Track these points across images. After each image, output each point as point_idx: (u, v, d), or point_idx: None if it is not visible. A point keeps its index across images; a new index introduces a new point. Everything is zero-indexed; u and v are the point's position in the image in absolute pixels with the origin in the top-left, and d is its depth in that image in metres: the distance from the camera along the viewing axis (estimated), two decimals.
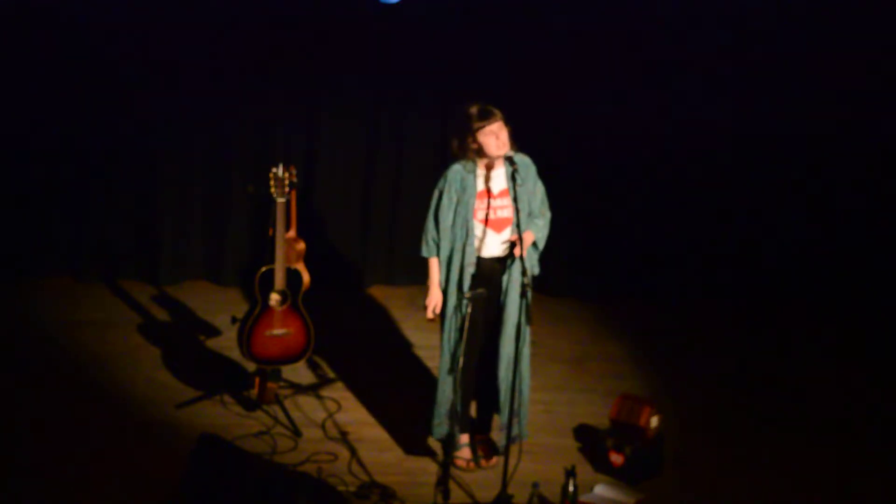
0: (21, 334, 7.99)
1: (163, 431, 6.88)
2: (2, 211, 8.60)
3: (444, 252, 6.49)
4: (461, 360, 6.28)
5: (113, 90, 8.50)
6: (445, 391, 6.52)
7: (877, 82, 8.74)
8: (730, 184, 8.98)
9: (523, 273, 6.17)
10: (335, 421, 7.10)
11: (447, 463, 6.30)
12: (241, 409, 7.14)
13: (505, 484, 6.14)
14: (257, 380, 7.10)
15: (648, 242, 9.05)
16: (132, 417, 7.03)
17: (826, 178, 8.98)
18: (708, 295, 9.08)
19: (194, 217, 8.87)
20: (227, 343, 7.77)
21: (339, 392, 7.45)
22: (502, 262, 6.48)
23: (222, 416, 7.08)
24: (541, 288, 7.74)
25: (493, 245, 6.47)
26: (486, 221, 6.42)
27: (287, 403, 7.13)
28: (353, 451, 6.76)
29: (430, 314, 6.52)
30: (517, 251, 6.32)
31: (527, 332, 6.40)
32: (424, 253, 6.54)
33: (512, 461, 6.18)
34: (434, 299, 6.50)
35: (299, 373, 7.53)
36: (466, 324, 6.25)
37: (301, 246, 7.04)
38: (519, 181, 6.35)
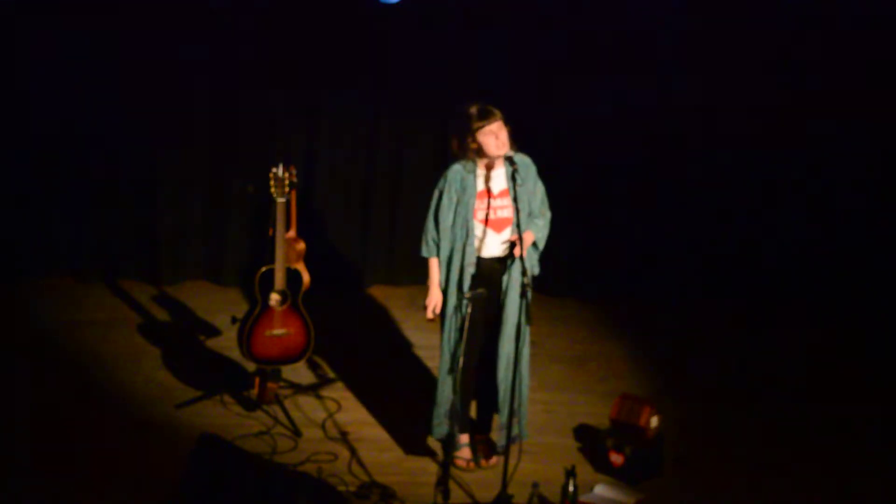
0: (21, 334, 7.98)
1: (163, 431, 6.88)
2: (2, 211, 8.59)
3: (444, 252, 6.49)
4: (461, 360, 6.28)
5: (113, 90, 8.50)
6: (445, 391, 6.52)
7: (877, 82, 8.74)
8: (730, 184, 8.98)
9: (523, 273, 6.17)
10: (335, 421, 7.10)
11: (447, 463, 6.30)
12: (241, 409, 7.14)
13: (505, 484, 6.14)
14: (257, 380, 7.10)
15: (648, 242, 9.04)
16: (132, 417, 7.03)
17: (826, 178, 8.98)
18: (708, 295, 9.08)
19: (194, 217, 8.87)
20: (227, 343, 7.77)
21: (339, 392, 7.45)
22: (502, 263, 6.48)
23: (222, 416, 7.08)
24: (541, 288, 7.74)
25: (493, 245, 6.47)
26: (486, 221, 6.42)
27: (287, 403, 7.13)
28: (353, 451, 6.76)
29: (430, 314, 6.53)
30: (517, 251, 6.32)
31: (526, 332, 6.40)
32: (424, 253, 6.54)
33: (512, 461, 6.18)
34: (434, 299, 6.50)
35: (299, 373, 7.53)
36: (466, 324, 6.25)
37: (301, 246, 7.04)
38: (519, 181, 6.35)
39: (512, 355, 6.44)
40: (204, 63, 8.53)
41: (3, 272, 8.63)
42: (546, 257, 6.65)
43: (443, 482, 6.13)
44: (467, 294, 6.34)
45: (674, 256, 9.06)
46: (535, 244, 6.53)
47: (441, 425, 6.58)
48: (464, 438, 6.68)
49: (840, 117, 8.80)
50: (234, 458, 6.06)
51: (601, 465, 6.69)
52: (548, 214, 6.57)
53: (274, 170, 6.87)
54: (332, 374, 7.65)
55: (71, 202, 8.70)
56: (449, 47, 8.66)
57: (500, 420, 6.60)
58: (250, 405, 7.14)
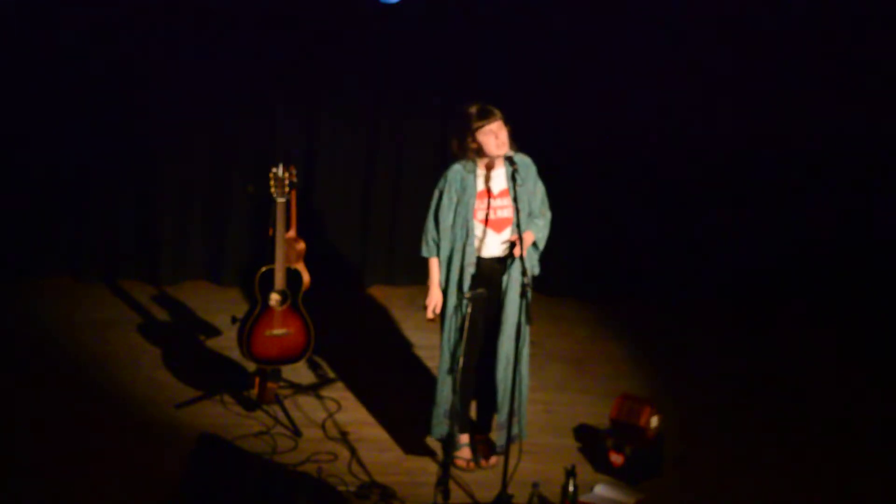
0: (21, 334, 7.99)
1: (163, 431, 6.88)
2: (2, 211, 8.59)
3: (445, 252, 6.49)
4: (461, 360, 6.28)
5: (113, 90, 8.50)
6: (445, 391, 6.52)
7: (877, 82, 8.74)
8: (730, 184, 8.98)
9: (523, 273, 6.17)
10: (335, 421, 7.10)
11: (447, 463, 6.30)
12: (241, 409, 7.14)
13: (505, 484, 6.14)
14: (257, 380, 7.11)
15: (648, 242, 9.04)
16: (132, 417, 7.03)
17: (826, 178, 8.98)
18: (708, 295, 9.08)
19: (194, 217, 8.87)
20: (227, 343, 7.77)
21: (339, 392, 7.45)
22: (502, 262, 6.48)
23: (222, 416, 7.08)
24: (541, 288, 7.74)
25: (493, 245, 6.47)
26: (486, 221, 6.42)
27: (287, 403, 7.13)
28: (353, 451, 6.76)
29: (430, 314, 6.53)
30: (517, 251, 6.32)
31: (526, 332, 6.40)
32: (424, 253, 6.54)
33: (512, 461, 6.18)
34: (434, 299, 6.50)
35: (299, 373, 7.53)
36: (466, 324, 6.25)
37: (301, 246, 7.04)
38: (519, 181, 6.35)
39: (511, 355, 6.44)
40: (204, 63, 8.52)
41: (3, 272, 8.63)
42: (546, 257, 6.65)
43: (443, 482, 6.13)
44: (467, 294, 6.34)
45: (674, 256, 9.05)
46: (535, 244, 6.53)
47: (440, 425, 6.58)
48: (464, 438, 6.68)
49: (840, 117, 8.80)
50: (234, 458, 6.07)
51: (601, 465, 6.69)
52: (548, 214, 6.57)
53: (274, 170, 6.87)
54: (332, 374, 7.65)
55: (71, 202, 8.70)
56: (449, 47, 8.66)
57: (499, 420, 6.60)
58: (250, 405, 7.14)
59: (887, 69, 8.71)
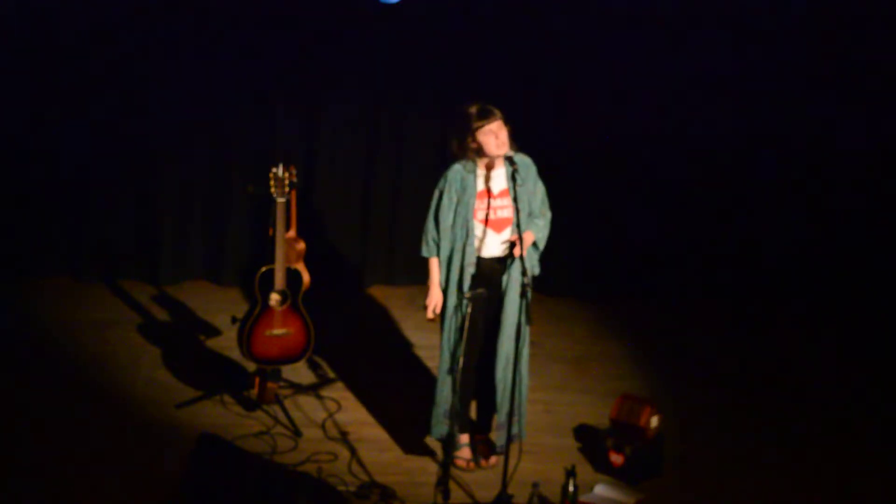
0: (21, 334, 7.99)
1: (163, 431, 6.88)
2: (2, 211, 8.59)
3: (445, 252, 6.49)
4: (461, 360, 6.28)
5: (113, 90, 8.50)
6: (444, 391, 6.52)
7: (877, 82, 8.74)
8: (730, 184, 8.98)
9: (523, 273, 6.17)
10: (335, 421, 7.10)
11: (447, 463, 6.30)
12: (241, 409, 7.14)
13: (505, 484, 6.14)
14: (257, 380, 7.11)
15: (648, 242, 9.04)
16: (132, 417, 7.03)
17: (826, 178, 8.98)
18: (708, 295, 9.08)
19: (194, 217, 8.87)
20: (227, 343, 7.77)
21: (339, 392, 7.45)
22: (502, 262, 6.48)
23: (222, 416, 7.08)
24: (541, 288, 7.74)
25: (493, 245, 6.47)
26: (486, 221, 6.42)
27: (287, 403, 7.13)
28: (353, 451, 6.76)
29: (430, 314, 6.53)
30: (517, 251, 6.32)
31: (526, 332, 6.40)
32: (424, 253, 6.54)
33: (512, 461, 6.18)
34: (434, 299, 6.50)
35: (299, 373, 7.53)
36: (466, 324, 6.25)
37: (301, 246, 7.04)
38: (519, 181, 6.35)
39: (511, 355, 6.44)
40: (204, 63, 8.52)
41: (3, 272, 8.63)
42: (546, 257, 6.65)
43: (443, 482, 6.13)
44: (467, 294, 6.34)
45: (674, 256, 9.06)
46: (535, 244, 6.53)
47: (440, 425, 6.58)
48: (464, 438, 6.68)
49: (840, 117, 8.80)
50: (234, 458, 6.07)
51: (601, 465, 6.69)
52: (548, 214, 6.57)
53: (274, 170, 6.87)
54: (332, 374, 7.65)
55: (71, 202, 8.70)
56: (449, 47, 8.66)
57: (499, 420, 6.60)
58: (250, 405, 7.14)
59: (887, 69, 8.70)
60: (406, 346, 8.21)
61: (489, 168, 6.43)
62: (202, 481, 5.95)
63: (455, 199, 6.43)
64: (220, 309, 8.31)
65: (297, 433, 6.90)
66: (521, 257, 6.22)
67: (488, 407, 6.72)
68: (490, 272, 6.47)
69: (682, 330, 8.68)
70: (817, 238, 9.04)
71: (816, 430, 7.30)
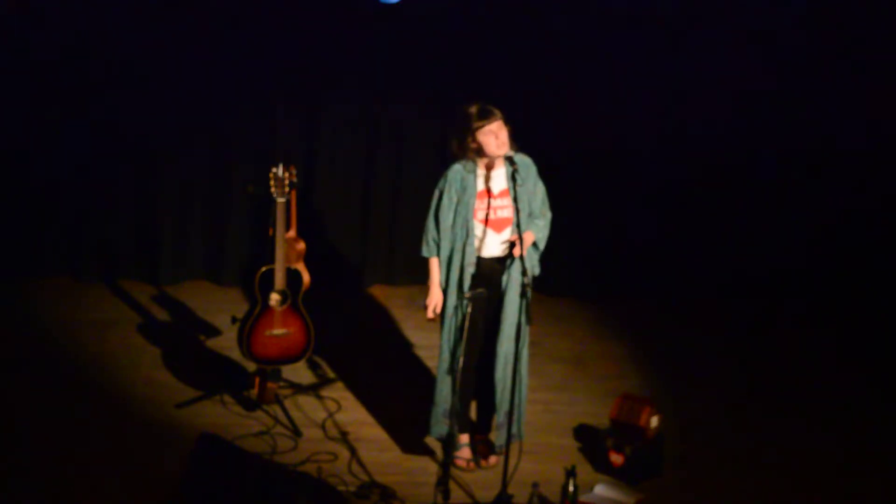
0: (21, 334, 7.98)
1: (163, 431, 6.88)
2: (2, 211, 8.59)
3: (445, 252, 6.49)
4: (461, 360, 6.28)
5: (113, 90, 8.50)
6: (444, 390, 6.53)
7: (877, 82, 8.73)
8: (730, 184, 8.98)
9: (523, 273, 6.17)
10: (335, 421, 7.10)
11: (447, 463, 6.30)
12: (241, 409, 7.14)
13: (505, 484, 6.14)
14: (257, 380, 7.11)
15: (648, 242, 9.04)
16: (132, 417, 7.03)
17: (826, 178, 8.97)
18: (708, 295, 9.08)
19: (194, 217, 8.87)
20: (227, 343, 7.77)
21: (339, 392, 7.45)
22: (502, 262, 6.48)
23: (222, 416, 7.08)
24: (541, 288, 7.73)
25: (493, 245, 6.47)
26: (486, 221, 6.42)
27: (287, 403, 7.13)
28: (353, 451, 6.76)
29: (430, 314, 6.53)
30: (517, 251, 6.32)
31: (526, 332, 6.40)
32: (425, 253, 6.54)
33: (512, 461, 6.18)
34: (434, 299, 6.50)
35: (299, 373, 7.53)
36: (466, 323, 6.25)
37: (301, 246, 7.04)
38: (519, 181, 6.35)
39: (511, 355, 6.44)
40: (204, 63, 8.52)
41: (3, 272, 8.63)
42: (546, 257, 6.65)
43: (443, 482, 6.13)
44: (467, 294, 6.34)
45: (674, 256, 9.05)
46: (535, 244, 6.53)
47: (439, 424, 6.58)
48: (464, 438, 6.68)
49: (840, 117, 8.80)
50: (234, 458, 6.07)
51: (601, 465, 6.69)
52: (548, 215, 6.57)
53: (274, 170, 6.87)
54: (332, 374, 7.65)
55: (71, 202, 8.70)
56: (449, 47, 8.66)
57: (498, 419, 6.60)
58: (250, 405, 7.14)
59: (887, 69, 8.70)
60: (406, 346, 8.21)
61: (489, 168, 6.43)
62: (202, 481, 5.95)
63: (455, 199, 6.43)
64: (220, 309, 8.31)
65: (297, 433, 6.90)
66: (521, 257, 6.22)
67: (488, 407, 6.72)
68: (490, 272, 6.47)
69: (682, 330, 8.68)
70: (817, 238, 9.04)
71: (816, 430, 7.30)
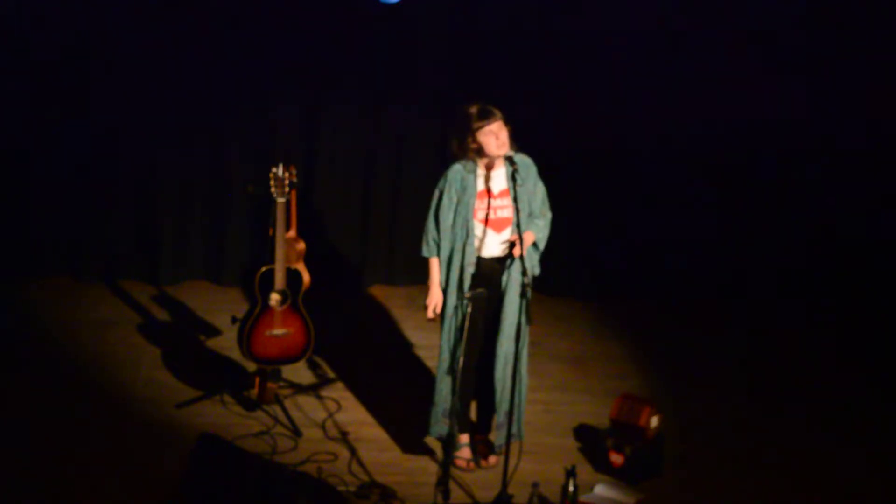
0: (21, 334, 7.98)
1: (163, 431, 6.88)
2: (2, 211, 8.59)
3: (445, 252, 6.49)
4: (461, 360, 6.28)
5: (113, 90, 8.50)
6: (443, 390, 6.53)
7: (877, 82, 8.73)
8: (730, 184, 8.98)
9: (523, 273, 6.17)
10: (335, 421, 7.10)
11: (447, 463, 6.30)
12: (241, 409, 7.14)
13: (505, 484, 6.14)
14: (257, 380, 7.11)
15: (648, 242, 9.04)
16: (132, 417, 7.03)
17: (826, 178, 8.97)
18: (708, 295, 9.08)
19: (194, 217, 8.87)
20: (227, 343, 7.77)
21: (339, 392, 7.45)
22: (502, 262, 6.48)
23: (222, 416, 7.08)
24: (541, 288, 7.73)
25: (493, 245, 6.47)
26: (487, 221, 6.43)
27: (287, 403, 7.13)
28: (353, 451, 6.76)
29: (430, 314, 6.53)
30: (517, 251, 6.32)
31: (526, 332, 6.40)
32: (425, 253, 6.54)
33: (512, 461, 6.18)
34: (434, 299, 6.51)
35: (299, 373, 7.53)
36: (466, 323, 6.25)
37: (301, 246, 7.04)
38: (519, 181, 6.35)
39: (510, 355, 6.44)
40: (204, 62, 8.52)
41: (3, 272, 8.63)
42: (546, 257, 6.65)
43: (443, 482, 6.13)
44: (467, 294, 6.34)
45: (674, 256, 9.05)
46: (535, 244, 6.53)
47: (439, 424, 6.58)
48: (464, 438, 6.68)
49: (840, 117, 8.80)
50: (234, 458, 6.07)
51: (601, 465, 6.69)
52: (548, 215, 6.57)
53: (274, 170, 6.87)
54: (332, 374, 7.65)
55: (71, 202, 8.70)
56: (449, 47, 8.66)
57: (497, 419, 6.60)
58: (250, 405, 7.14)
59: (887, 69, 8.70)
60: (406, 346, 8.21)
61: (489, 168, 6.43)
62: (202, 481, 5.96)
63: (455, 199, 6.43)
64: (220, 309, 8.31)
65: (297, 433, 6.90)
66: (521, 257, 6.22)
67: (488, 407, 6.72)
68: (490, 272, 6.47)
69: (682, 330, 8.68)
70: (817, 238, 9.04)
71: (816, 430, 7.30)
